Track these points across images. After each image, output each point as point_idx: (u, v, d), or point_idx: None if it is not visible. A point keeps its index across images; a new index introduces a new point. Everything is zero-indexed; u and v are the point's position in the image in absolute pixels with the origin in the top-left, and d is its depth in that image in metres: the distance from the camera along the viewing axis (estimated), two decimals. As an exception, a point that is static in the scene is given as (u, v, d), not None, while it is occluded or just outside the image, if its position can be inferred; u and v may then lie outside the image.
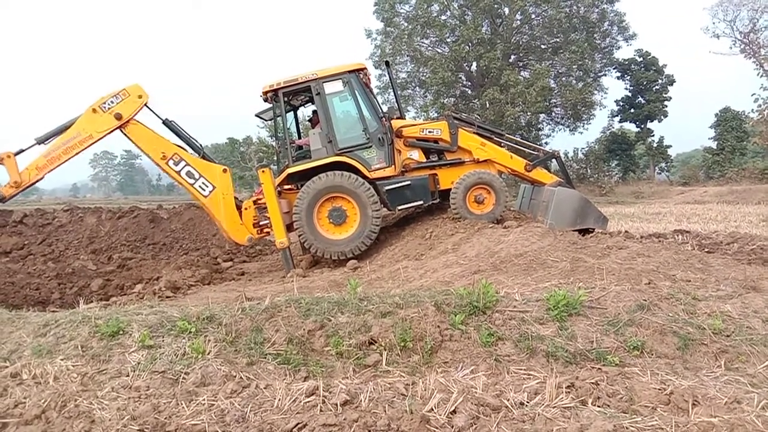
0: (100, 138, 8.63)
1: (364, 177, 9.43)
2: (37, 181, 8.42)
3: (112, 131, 8.71)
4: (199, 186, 9.05)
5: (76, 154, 8.46)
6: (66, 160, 8.40)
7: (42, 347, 3.84)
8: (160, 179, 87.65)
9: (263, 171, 9.29)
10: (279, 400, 3.24)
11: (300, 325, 4.15)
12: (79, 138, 8.37)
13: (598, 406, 3.15)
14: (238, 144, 59.76)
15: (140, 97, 8.73)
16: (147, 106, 8.87)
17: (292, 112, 10.96)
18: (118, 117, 8.53)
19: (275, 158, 11.40)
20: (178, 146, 9.17)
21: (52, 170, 8.38)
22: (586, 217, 9.11)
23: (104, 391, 3.36)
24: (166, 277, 8.80)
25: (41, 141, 8.32)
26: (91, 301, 6.96)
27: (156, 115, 9.08)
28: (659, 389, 3.27)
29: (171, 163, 8.94)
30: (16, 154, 8.24)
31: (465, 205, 9.49)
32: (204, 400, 3.26)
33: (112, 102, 8.51)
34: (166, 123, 9.14)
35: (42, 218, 11.03)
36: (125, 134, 8.84)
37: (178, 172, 8.99)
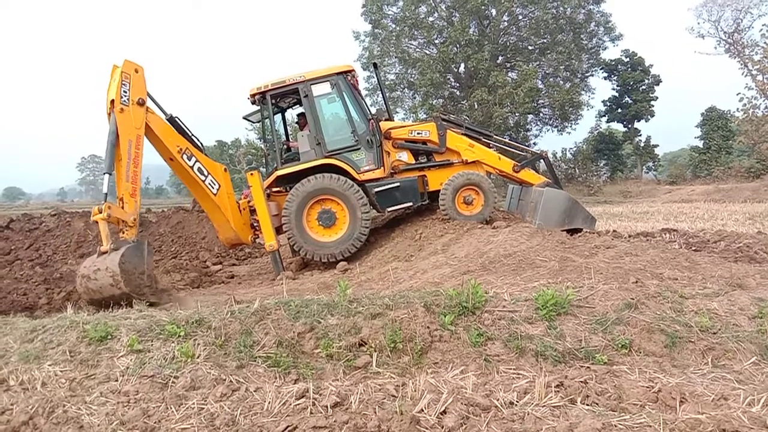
0: (143, 132, 8.03)
1: (353, 179, 9.43)
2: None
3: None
4: (209, 183, 8.90)
5: (141, 158, 7.90)
6: (140, 171, 7.86)
7: (29, 353, 3.81)
8: (148, 183, 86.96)
9: (252, 174, 9.28)
10: (269, 403, 3.23)
11: (290, 328, 4.15)
12: (134, 145, 7.78)
13: (587, 405, 3.17)
14: (227, 146, 59.65)
15: (137, 71, 8.11)
16: (150, 97, 8.25)
17: (279, 114, 10.95)
18: (141, 103, 7.99)
19: (263, 161, 11.35)
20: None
21: (140, 188, 7.83)
22: (574, 217, 9.16)
23: (93, 397, 3.34)
24: (155, 281, 8.72)
25: (110, 171, 7.53)
26: (80, 307, 6.90)
27: (161, 109, 8.59)
28: (647, 387, 3.30)
29: (185, 157, 8.63)
30: (105, 200, 7.39)
31: (454, 206, 9.50)
32: (194, 404, 3.24)
33: (125, 92, 7.86)
34: (171, 119, 8.78)
35: (29, 223, 10.91)
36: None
37: (191, 167, 8.70)
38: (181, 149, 8.61)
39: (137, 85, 8.06)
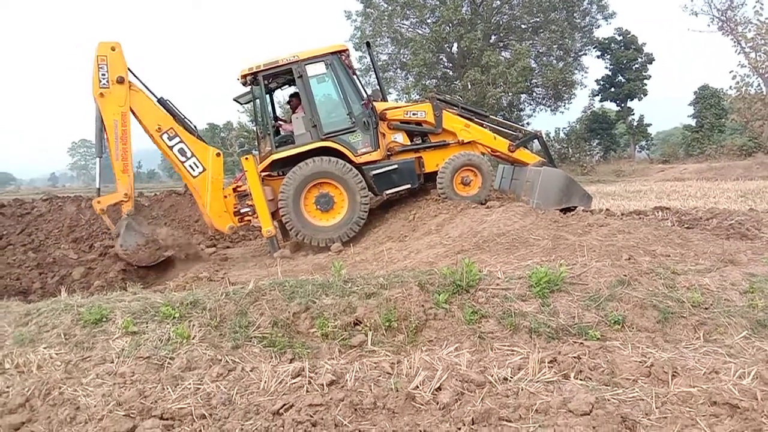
0: (129, 107, 8.49)
1: (350, 162, 9.32)
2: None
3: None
4: (190, 165, 8.86)
5: (129, 134, 8.51)
6: (130, 146, 8.55)
7: (24, 336, 3.81)
8: (140, 167, 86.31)
9: (246, 158, 9.11)
10: (265, 382, 3.25)
11: (285, 308, 4.16)
12: (120, 123, 8.29)
13: (581, 380, 3.20)
14: (219, 129, 59.12)
15: (114, 49, 8.34)
16: (135, 76, 8.52)
17: (268, 96, 10.78)
18: (121, 80, 8.28)
19: (256, 143, 11.24)
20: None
21: (131, 163, 8.64)
22: (572, 195, 9.19)
23: (89, 378, 3.35)
24: (149, 264, 8.71)
25: (101, 154, 8.44)
26: (73, 290, 6.90)
27: (149, 90, 8.78)
28: (640, 362, 3.34)
29: (165, 137, 8.71)
30: (99, 194, 8.59)
31: (452, 186, 9.46)
32: (190, 384, 3.26)
33: (103, 75, 8.18)
34: (161, 101, 8.84)
35: (20, 208, 10.83)
36: None
37: (171, 148, 8.76)
38: (160, 128, 8.70)
39: (115, 64, 8.33)
